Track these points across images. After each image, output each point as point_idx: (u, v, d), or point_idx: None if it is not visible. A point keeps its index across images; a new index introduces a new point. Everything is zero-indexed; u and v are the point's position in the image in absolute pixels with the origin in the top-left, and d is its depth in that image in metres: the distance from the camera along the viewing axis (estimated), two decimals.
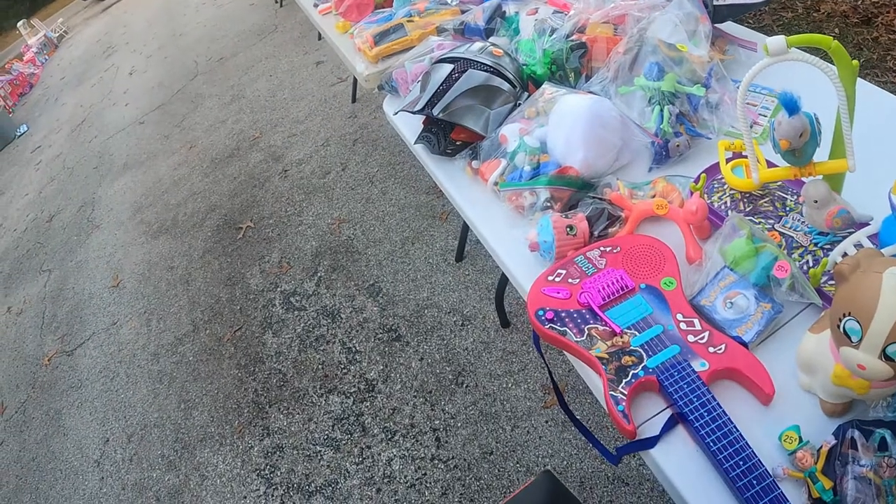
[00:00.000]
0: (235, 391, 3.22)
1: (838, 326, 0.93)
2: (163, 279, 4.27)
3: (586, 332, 1.23)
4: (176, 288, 4.13)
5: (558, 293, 1.31)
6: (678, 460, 1.08)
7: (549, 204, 1.56)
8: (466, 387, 2.72)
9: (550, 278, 1.36)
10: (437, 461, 2.54)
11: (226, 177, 5.02)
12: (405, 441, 2.65)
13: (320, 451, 2.77)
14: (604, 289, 1.28)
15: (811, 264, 1.22)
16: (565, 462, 2.36)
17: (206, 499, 2.83)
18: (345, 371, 3.03)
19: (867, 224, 1.19)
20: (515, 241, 1.57)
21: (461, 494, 2.42)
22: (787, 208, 1.33)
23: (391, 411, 2.77)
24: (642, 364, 1.15)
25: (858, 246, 1.15)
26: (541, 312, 1.28)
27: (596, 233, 1.46)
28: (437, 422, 2.66)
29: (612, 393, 1.13)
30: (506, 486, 2.38)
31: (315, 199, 4.21)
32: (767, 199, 1.37)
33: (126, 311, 4.17)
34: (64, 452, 3.45)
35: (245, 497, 2.75)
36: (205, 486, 2.87)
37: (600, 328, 1.23)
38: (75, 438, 3.49)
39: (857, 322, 0.90)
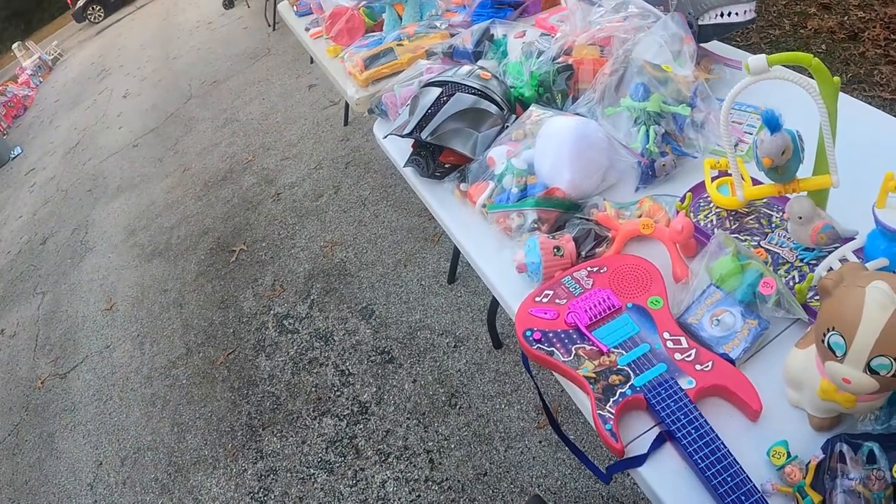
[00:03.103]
0: (229, 414, 3.21)
1: (823, 341, 0.94)
2: (156, 302, 4.27)
3: (573, 351, 1.23)
4: (169, 311, 4.12)
5: (546, 314, 1.32)
6: (667, 477, 1.08)
7: (536, 225, 1.57)
8: (460, 408, 2.72)
9: (538, 299, 1.36)
10: (431, 483, 2.53)
11: (219, 200, 5.03)
12: (399, 463, 2.64)
13: (314, 473, 2.76)
14: (591, 309, 1.29)
15: (797, 280, 1.23)
16: (559, 482, 2.35)
17: None
18: (338, 393, 3.02)
19: (852, 239, 1.20)
20: (503, 262, 1.57)
21: None
22: (773, 225, 1.34)
23: (385, 433, 2.76)
24: (629, 383, 1.15)
25: (844, 261, 1.16)
26: (528, 333, 1.29)
27: (583, 253, 1.47)
28: (430, 443, 2.65)
29: (599, 412, 1.13)
30: None
31: (308, 222, 4.22)
32: (753, 216, 1.38)
33: (119, 334, 4.16)
34: (57, 476, 3.43)
35: None
36: None
37: (587, 348, 1.23)
38: (68, 461, 3.47)
39: (841, 336, 0.91)
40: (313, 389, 3.11)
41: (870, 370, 0.89)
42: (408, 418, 2.78)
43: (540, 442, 2.49)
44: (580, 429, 2.45)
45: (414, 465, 2.61)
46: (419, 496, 2.51)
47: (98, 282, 4.87)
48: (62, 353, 4.31)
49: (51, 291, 5.10)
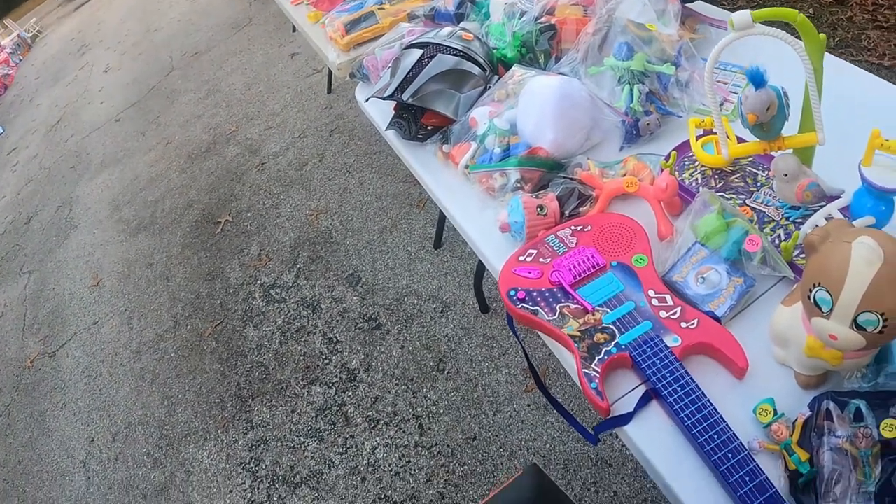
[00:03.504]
0: (218, 386, 3.21)
1: (809, 297, 0.93)
2: (142, 276, 4.24)
3: (558, 310, 1.22)
4: (156, 285, 4.10)
5: (529, 273, 1.31)
6: (653, 436, 1.08)
7: (519, 185, 1.56)
8: (448, 373, 2.72)
9: (522, 258, 1.35)
10: (420, 448, 2.54)
11: (203, 171, 4.98)
12: (388, 429, 2.64)
13: (304, 442, 2.76)
14: (575, 267, 1.28)
15: (783, 238, 1.22)
16: (548, 445, 2.36)
17: (192, 494, 2.82)
18: (326, 361, 3.02)
19: (838, 197, 1.19)
20: (487, 222, 1.56)
21: (445, 480, 2.42)
22: (759, 183, 1.33)
23: (373, 400, 2.77)
24: (615, 341, 1.15)
25: (829, 219, 1.15)
26: (512, 292, 1.28)
27: (567, 212, 1.46)
28: (419, 409, 2.66)
29: (585, 371, 1.12)
30: (490, 471, 2.38)
31: (293, 191, 4.19)
32: (738, 174, 1.37)
33: (107, 310, 4.14)
34: (50, 454, 3.43)
35: (231, 491, 2.74)
36: (191, 482, 2.86)
37: (572, 306, 1.22)
38: (60, 439, 3.47)
39: (828, 292, 0.90)
40: (301, 358, 3.10)
41: (856, 326, 0.89)
42: (396, 384, 2.78)
43: (528, 406, 2.49)
44: (567, 392, 2.46)
45: (403, 431, 2.61)
46: (409, 462, 2.52)
47: (84, 258, 4.83)
48: (50, 331, 4.28)
49: (37, 270, 5.05)
